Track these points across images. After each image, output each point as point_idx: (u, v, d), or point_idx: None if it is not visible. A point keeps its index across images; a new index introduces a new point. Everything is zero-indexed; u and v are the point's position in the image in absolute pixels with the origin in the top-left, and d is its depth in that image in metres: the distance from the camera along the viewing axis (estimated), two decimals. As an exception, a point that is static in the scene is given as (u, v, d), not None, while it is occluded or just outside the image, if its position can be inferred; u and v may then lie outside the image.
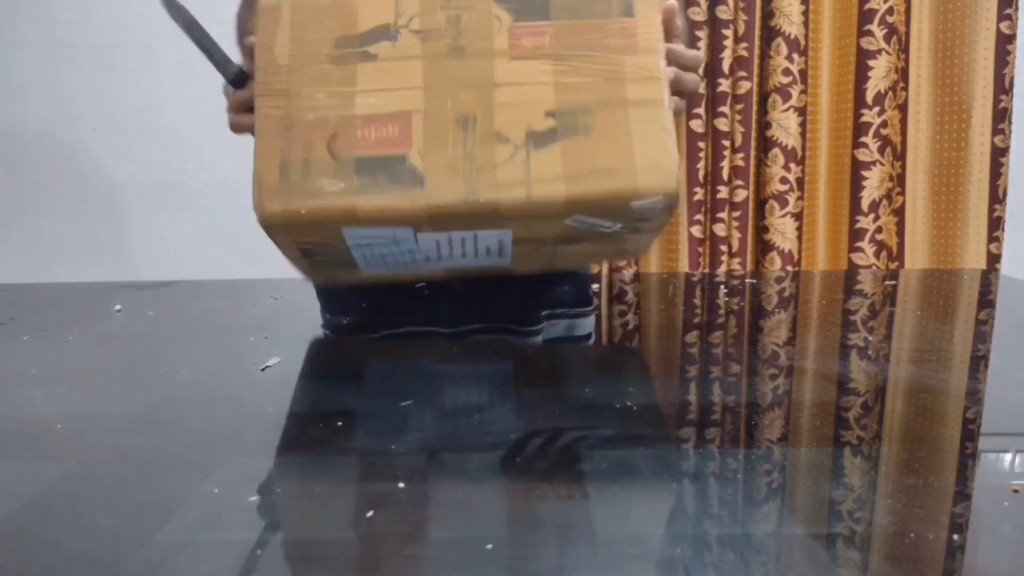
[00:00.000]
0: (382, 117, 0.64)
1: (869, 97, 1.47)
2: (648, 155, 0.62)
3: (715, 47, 1.48)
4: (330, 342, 0.68)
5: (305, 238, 0.63)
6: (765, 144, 1.51)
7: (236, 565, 0.33)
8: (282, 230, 0.61)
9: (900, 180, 1.54)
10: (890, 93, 1.47)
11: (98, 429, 0.49)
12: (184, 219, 1.79)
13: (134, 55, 1.73)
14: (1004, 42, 1.45)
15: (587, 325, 0.80)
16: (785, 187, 1.50)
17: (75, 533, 0.35)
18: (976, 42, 1.46)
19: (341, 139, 0.63)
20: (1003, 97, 1.46)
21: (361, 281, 0.68)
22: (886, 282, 0.99)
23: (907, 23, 1.49)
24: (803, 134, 1.51)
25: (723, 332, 0.74)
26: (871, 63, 1.46)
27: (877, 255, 1.51)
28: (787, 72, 1.47)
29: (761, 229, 1.54)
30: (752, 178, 1.53)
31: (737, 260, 1.53)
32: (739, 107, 1.50)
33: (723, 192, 1.52)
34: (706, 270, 1.54)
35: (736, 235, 1.53)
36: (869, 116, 1.47)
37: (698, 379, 0.60)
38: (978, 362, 0.62)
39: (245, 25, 0.81)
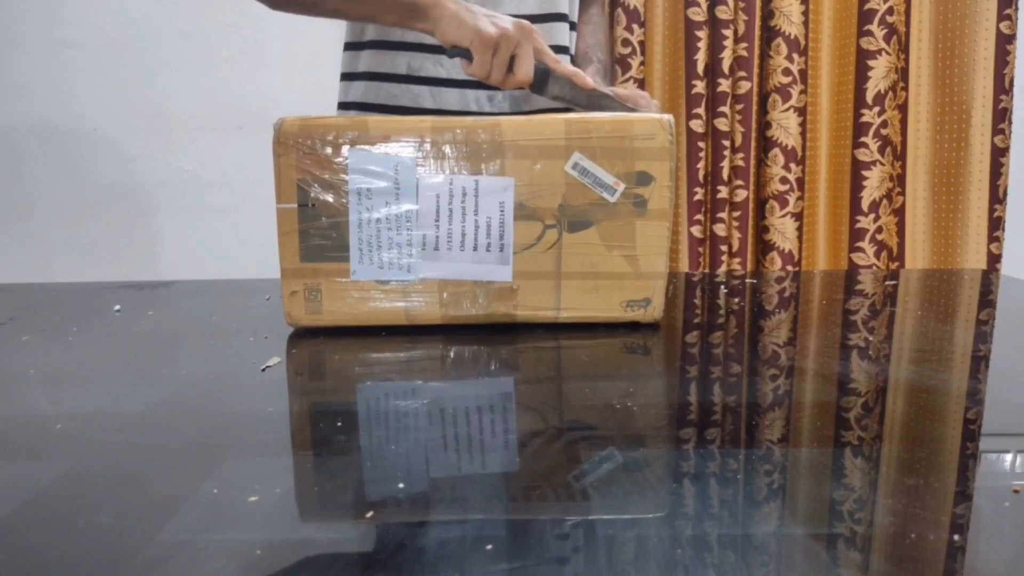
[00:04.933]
0: None
1: (869, 97, 1.47)
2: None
3: (715, 47, 1.48)
4: (330, 342, 0.69)
5: (311, 166, 0.67)
6: (765, 144, 1.51)
7: (236, 565, 0.33)
8: (294, 139, 0.67)
9: (900, 180, 1.54)
10: (890, 93, 1.47)
11: (98, 429, 0.49)
12: (184, 219, 1.79)
13: (134, 55, 1.73)
14: (1004, 42, 1.45)
15: None
16: (785, 187, 1.50)
17: (75, 533, 0.35)
18: (976, 42, 1.46)
19: None
20: (1003, 97, 1.46)
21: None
22: (886, 282, 0.99)
23: (907, 23, 1.49)
24: (803, 134, 1.51)
25: (723, 332, 0.74)
26: (871, 63, 1.46)
27: (877, 255, 1.51)
28: (787, 72, 1.47)
29: (761, 229, 1.54)
30: (752, 178, 1.53)
31: (737, 260, 1.53)
32: (739, 107, 1.50)
33: (723, 192, 1.52)
34: (706, 270, 1.54)
35: (736, 235, 1.53)
36: (869, 116, 1.47)
37: (698, 379, 0.60)
38: (979, 362, 0.62)
39: None
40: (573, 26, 1.06)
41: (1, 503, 0.38)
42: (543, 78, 0.83)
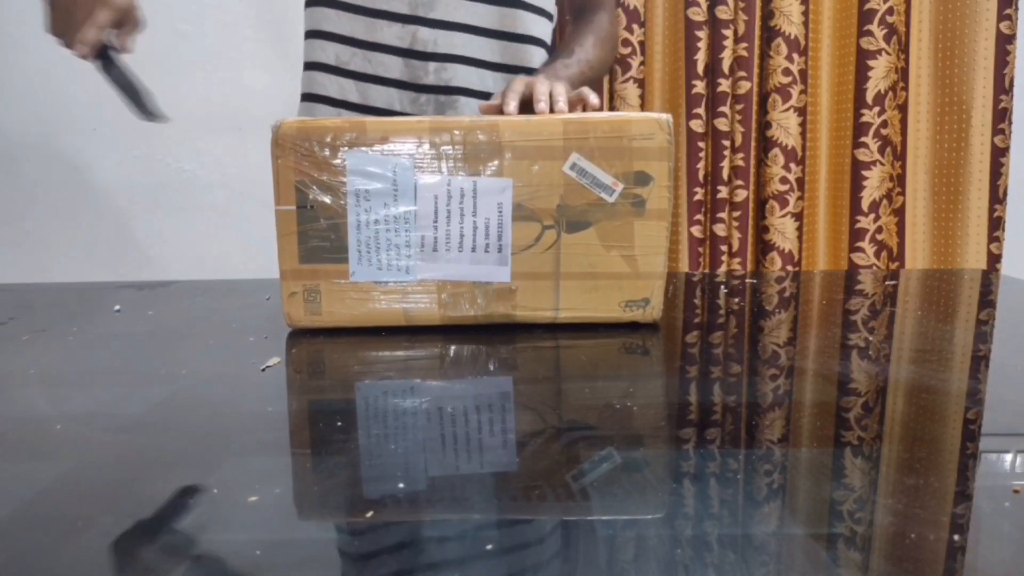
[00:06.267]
0: None
1: (869, 97, 1.47)
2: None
3: (715, 47, 1.48)
4: (329, 342, 0.69)
5: (309, 168, 0.67)
6: (765, 144, 1.51)
7: (236, 565, 0.33)
8: (292, 141, 0.67)
9: (900, 180, 1.54)
10: (890, 93, 1.47)
11: (98, 429, 0.49)
12: (184, 219, 1.79)
13: (134, 55, 1.73)
14: (1004, 42, 1.45)
15: None
16: (785, 187, 1.50)
17: (75, 533, 0.35)
18: (976, 42, 1.46)
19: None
20: (1003, 97, 1.46)
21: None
22: (886, 282, 0.99)
23: (907, 23, 1.49)
24: (803, 134, 1.51)
25: (723, 332, 0.74)
26: (871, 63, 1.46)
27: (877, 255, 1.51)
28: (787, 72, 1.47)
29: (761, 229, 1.54)
30: (752, 178, 1.53)
31: (737, 260, 1.53)
32: (739, 107, 1.50)
33: (723, 192, 1.52)
34: (706, 270, 1.54)
35: (736, 235, 1.53)
36: (869, 116, 1.47)
37: (698, 379, 0.60)
38: (978, 362, 0.62)
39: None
40: (528, 40, 1.03)
41: (1, 503, 0.38)
42: (108, 56, 0.86)
